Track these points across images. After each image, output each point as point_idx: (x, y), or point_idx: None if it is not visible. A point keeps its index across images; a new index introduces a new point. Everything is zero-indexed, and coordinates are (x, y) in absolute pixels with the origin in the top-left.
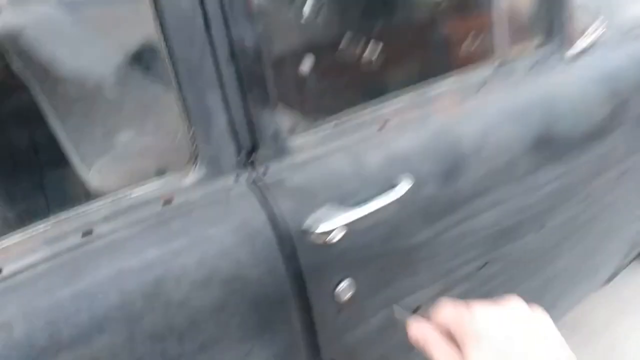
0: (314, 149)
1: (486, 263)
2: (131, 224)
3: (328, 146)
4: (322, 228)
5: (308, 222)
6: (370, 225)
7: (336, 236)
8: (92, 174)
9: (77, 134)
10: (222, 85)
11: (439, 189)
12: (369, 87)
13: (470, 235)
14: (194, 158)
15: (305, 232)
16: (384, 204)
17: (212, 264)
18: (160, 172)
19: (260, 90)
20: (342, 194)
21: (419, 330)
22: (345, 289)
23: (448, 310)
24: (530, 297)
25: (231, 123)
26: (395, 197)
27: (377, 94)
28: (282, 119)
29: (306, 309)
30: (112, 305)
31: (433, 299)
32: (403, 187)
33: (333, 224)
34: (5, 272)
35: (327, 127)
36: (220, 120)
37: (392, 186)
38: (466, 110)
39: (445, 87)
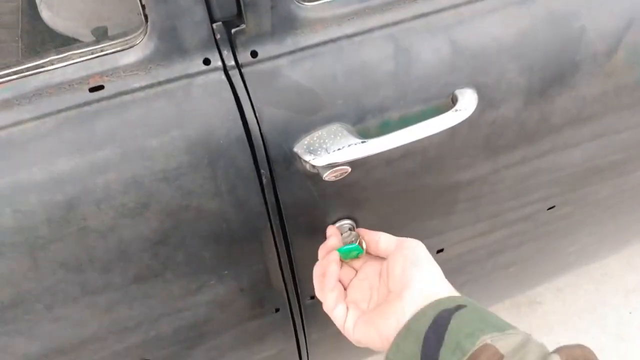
0: (339, 26)
1: (554, 206)
2: (38, 116)
3: (362, 23)
4: (319, 160)
5: (301, 145)
6: (397, 157)
7: (339, 174)
8: (39, 4)
9: None
10: None
11: (522, 110)
12: None
13: (543, 174)
14: (142, 24)
15: (294, 158)
16: (428, 133)
17: (148, 188)
18: (100, 35)
19: None
20: (367, 106)
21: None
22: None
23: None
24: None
25: None
26: (451, 123)
27: None
28: None
29: (285, 246)
30: (6, 227)
31: (464, 241)
32: (467, 105)
33: (339, 155)
34: None
35: None
36: None
37: (451, 101)
38: None
39: None
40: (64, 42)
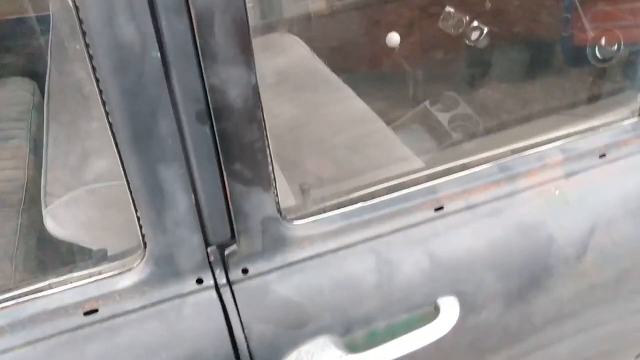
0: (323, 242)
1: None
2: (30, 342)
3: (346, 239)
4: None
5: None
6: None
7: None
8: (45, 216)
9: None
10: (184, 152)
11: (504, 313)
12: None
13: None
14: (140, 250)
15: None
16: (415, 347)
17: None
18: (98, 260)
19: (247, 159)
20: (354, 317)
21: None
22: None
23: None
24: None
25: (196, 205)
26: (436, 335)
27: (430, 163)
28: (275, 200)
29: None
30: None
31: None
32: (450, 313)
33: None
34: None
35: (348, 213)
36: (178, 202)
37: (434, 309)
38: (571, 187)
39: (544, 150)
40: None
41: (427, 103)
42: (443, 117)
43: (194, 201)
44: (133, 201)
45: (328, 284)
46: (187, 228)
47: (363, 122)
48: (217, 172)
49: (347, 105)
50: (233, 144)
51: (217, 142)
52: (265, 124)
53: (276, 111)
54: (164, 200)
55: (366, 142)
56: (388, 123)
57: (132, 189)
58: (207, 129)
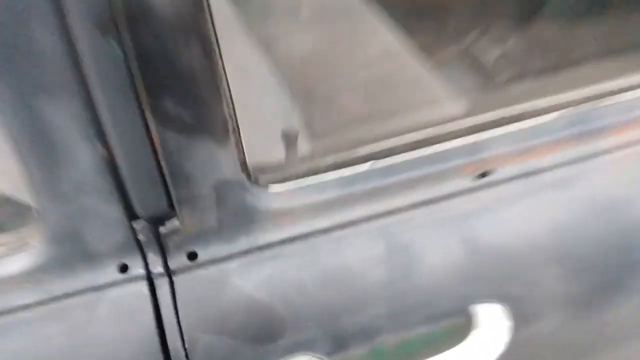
0: (311, 218)
1: None
2: None
3: (344, 214)
4: None
5: None
6: None
7: None
8: None
9: None
10: (80, 79)
11: (567, 326)
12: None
13: None
14: (34, 223)
15: None
16: None
17: None
18: None
19: (184, 93)
20: (350, 328)
21: None
22: None
23: None
24: None
25: (110, 161)
26: (471, 353)
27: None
28: (237, 156)
29: None
30: None
31: None
32: (492, 326)
33: None
34: None
35: (351, 177)
36: (78, 156)
37: (469, 320)
38: None
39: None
40: None
41: (471, 36)
42: (490, 54)
43: (104, 155)
44: (16, 145)
45: (314, 278)
46: (94, 194)
47: (392, 58)
48: (138, 112)
49: (376, 37)
50: (159, 68)
51: (132, 64)
52: (216, 36)
53: (290, 40)
54: (55, 152)
55: (394, 82)
56: (423, 60)
57: (9, 133)
58: (115, 43)
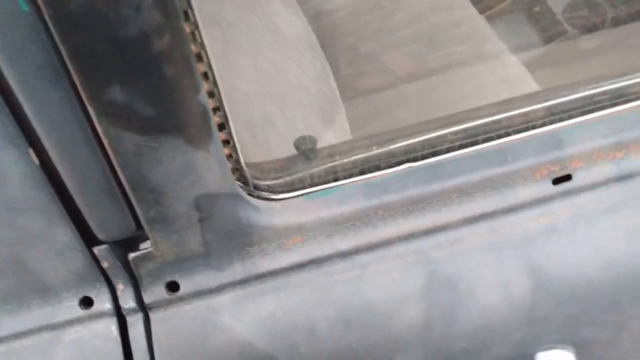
0: (328, 234)
1: None
2: None
3: (372, 230)
4: None
5: None
6: None
7: None
8: None
9: None
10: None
11: None
12: None
13: None
14: None
15: None
16: None
17: None
18: None
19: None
20: None
21: None
22: None
23: None
24: None
25: (44, 168)
26: None
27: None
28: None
29: None
30: None
31: None
32: None
33: None
34: None
35: (377, 183)
36: (5, 162)
37: None
38: None
39: None
40: None
41: None
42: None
43: (37, 164)
44: None
45: (329, 318)
46: (35, 213)
47: (447, 9)
48: (75, 105)
49: None
50: (95, 37)
51: (55, 31)
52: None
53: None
54: None
55: (449, 34)
56: (482, 11)
57: None
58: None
